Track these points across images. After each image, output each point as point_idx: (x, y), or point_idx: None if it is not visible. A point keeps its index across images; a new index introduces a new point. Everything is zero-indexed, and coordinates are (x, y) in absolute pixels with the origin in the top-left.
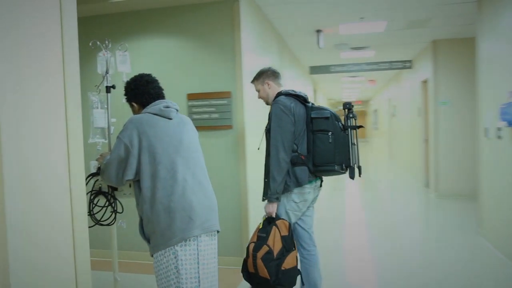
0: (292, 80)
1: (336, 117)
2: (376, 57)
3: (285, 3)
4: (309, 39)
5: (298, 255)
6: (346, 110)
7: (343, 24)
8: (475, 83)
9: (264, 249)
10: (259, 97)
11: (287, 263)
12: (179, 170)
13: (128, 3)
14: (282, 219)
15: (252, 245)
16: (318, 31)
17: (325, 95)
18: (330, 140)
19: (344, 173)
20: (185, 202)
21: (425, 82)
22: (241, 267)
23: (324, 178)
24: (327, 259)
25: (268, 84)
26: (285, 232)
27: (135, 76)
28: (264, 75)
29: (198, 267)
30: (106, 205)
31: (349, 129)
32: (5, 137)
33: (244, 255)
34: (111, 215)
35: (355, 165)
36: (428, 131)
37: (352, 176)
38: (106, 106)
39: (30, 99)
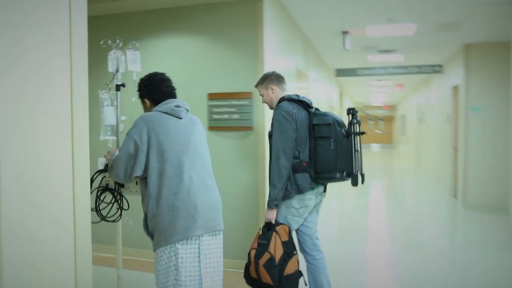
0: (317, 83)
1: (339, 123)
2: (405, 60)
3: (311, 3)
4: (335, 40)
5: (304, 259)
6: (350, 115)
7: (370, 26)
8: (509, 90)
9: (266, 256)
10: (263, 101)
11: (289, 269)
12: (185, 169)
13: (149, 1)
14: (282, 223)
15: (253, 252)
16: (345, 32)
17: (352, 98)
18: (332, 147)
19: (347, 180)
20: (190, 202)
21: (455, 87)
22: (243, 273)
23: (341, 184)
24: (345, 269)
25: (272, 89)
26: (285, 238)
27: (150, 74)
28: (268, 80)
29: (200, 266)
30: (112, 201)
31: (353, 135)
32: (3, 133)
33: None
34: (116, 211)
35: (358, 172)
36: (458, 139)
37: (354, 184)
38: (116, 104)
39: (34, 96)
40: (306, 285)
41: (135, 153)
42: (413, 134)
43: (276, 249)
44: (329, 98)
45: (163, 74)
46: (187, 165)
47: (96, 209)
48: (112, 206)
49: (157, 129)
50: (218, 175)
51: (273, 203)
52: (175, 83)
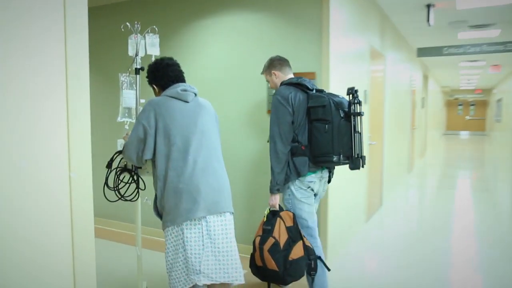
0: (396, 64)
1: (336, 104)
2: (502, 36)
3: None
4: (418, 15)
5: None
6: (351, 95)
7: None
8: None
9: (270, 241)
10: (270, 87)
11: (294, 254)
12: (190, 152)
13: None
14: (287, 210)
15: (258, 239)
16: (429, 5)
17: (438, 81)
18: (326, 130)
19: (346, 163)
20: (192, 184)
21: None
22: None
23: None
24: (423, 268)
25: (275, 74)
26: (290, 223)
27: (156, 59)
28: (271, 65)
29: (203, 246)
30: (130, 181)
31: (352, 116)
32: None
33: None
34: (134, 191)
35: (359, 155)
36: None
37: (353, 167)
38: (135, 87)
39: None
40: (328, 270)
41: (144, 137)
42: (510, 121)
43: (280, 234)
44: (410, 82)
45: (170, 59)
46: (192, 148)
47: (115, 188)
48: (129, 186)
49: (164, 113)
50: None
51: (274, 188)
52: (230, 65)
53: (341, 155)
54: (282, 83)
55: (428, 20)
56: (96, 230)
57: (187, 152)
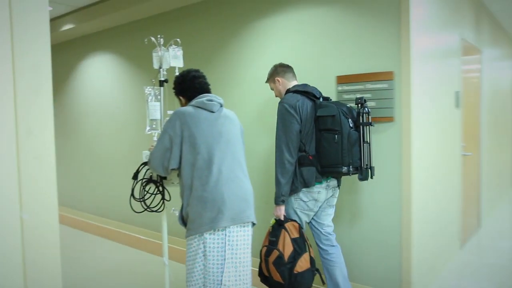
0: (494, 62)
1: (346, 114)
2: None
3: None
4: None
5: (316, 255)
6: (359, 105)
7: None
8: None
9: (275, 253)
10: (276, 95)
11: (300, 266)
12: (215, 162)
13: None
14: (292, 220)
15: (264, 249)
16: None
17: None
18: (336, 140)
19: (355, 174)
20: (217, 194)
21: None
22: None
23: None
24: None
25: (279, 81)
26: (295, 235)
27: (183, 71)
28: (274, 73)
29: (225, 256)
30: (155, 192)
31: (362, 126)
32: None
33: None
34: (159, 202)
35: (367, 166)
36: None
37: (362, 178)
38: (159, 99)
39: None
40: (323, 283)
41: (170, 147)
42: None
43: (285, 246)
44: None
45: (196, 71)
46: (217, 158)
47: (140, 199)
48: (154, 197)
49: (189, 122)
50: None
51: (279, 200)
52: (293, 65)
53: (350, 166)
54: (288, 91)
55: None
56: (123, 237)
57: (212, 161)
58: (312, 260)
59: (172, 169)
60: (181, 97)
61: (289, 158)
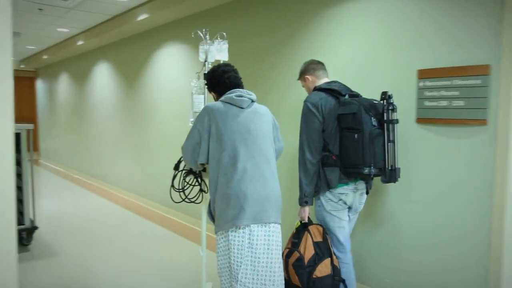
0: None
1: (368, 111)
2: None
3: None
4: None
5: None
6: (385, 101)
7: None
8: None
9: (295, 255)
10: (308, 94)
11: (319, 271)
12: (240, 159)
13: None
14: (317, 224)
15: (286, 251)
16: None
17: None
18: (356, 139)
19: (379, 176)
20: (240, 191)
21: None
22: None
23: None
24: None
25: (308, 79)
26: (318, 238)
27: (213, 66)
28: (304, 70)
29: (248, 255)
30: (194, 184)
31: (386, 124)
32: None
33: None
34: (197, 193)
35: (392, 167)
36: None
37: (386, 181)
38: (203, 92)
39: None
40: None
41: (199, 142)
42: None
43: (306, 249)
44: None
45: (226, 65)
46: (242, 155)
47: (179, 189)
48: (192, 188)
49: (217, 118)
50: (423, 191)
51: (302, 201)
52: (364, 59)
53: (372, 167)
54: (315, 88)
55: None
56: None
57: (236, 158)
58: (334, 268)
59: (202, 164)
60: (212, 92)
61: (309, 157)
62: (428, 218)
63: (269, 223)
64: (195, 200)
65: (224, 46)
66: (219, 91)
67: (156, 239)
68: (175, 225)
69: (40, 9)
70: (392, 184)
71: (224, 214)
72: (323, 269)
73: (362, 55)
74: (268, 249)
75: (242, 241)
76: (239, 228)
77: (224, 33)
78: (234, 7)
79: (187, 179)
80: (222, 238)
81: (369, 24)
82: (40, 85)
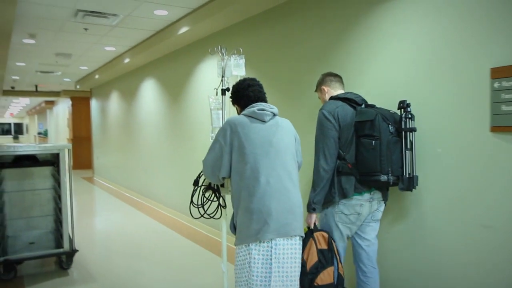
0: None
1: (386, 119)
2: None
3: None
4: None
5: (355, 273)
6: (402, 109)
7: None
8: None
9: None
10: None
11: (321, 279)
12: (263, 172)
13: None
14: (323, 231)
15: None
16: None
17: None
18: (373, 146)
19: (396, 184)
20: (264, 205)
21: None
22: None
23: None
24: None
25: (324, 90)
26: (323, 246)
27: (239, 80)
28: (321, 82)
29: (271, 269)
30: (212, 199)
31: (404, 132)
32: None
33: None
34: (216, 208)
35: (410, 175)
36: None
37: (403, 188)
38: (221, 107)
39: None
40: None
41: (220, 155)
42: None
43: (309, 255)
44: None
45: (252, 80)
46: (265, 168)
47: (198, 205)
48: (211, 203)
49: (239, 132)
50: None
51: (310, 207)
52: (425, 58)
53: (390, 174)
54: (330, 98)
55: None
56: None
57: (258, 171)
58: (339, 277)
59: (224, 177)
60: (236, 106)
61: (324, 165)
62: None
63: (295, 235)
64: (213, 216)
65: (241, 61)
66: (243, 104)
67: (204, 264)
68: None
69: (85, 29)
70: (461, 205)
71: (247, 228)
72: (325, 277)
73: (422, 53)
74: (295, 262)
75: (267, 255)
76: (263, 242)
77: (241, 49)
78: (272, 15)
79: (206, 194)
80: (242, 252)
81: (432, 17)
82: (94, 104)
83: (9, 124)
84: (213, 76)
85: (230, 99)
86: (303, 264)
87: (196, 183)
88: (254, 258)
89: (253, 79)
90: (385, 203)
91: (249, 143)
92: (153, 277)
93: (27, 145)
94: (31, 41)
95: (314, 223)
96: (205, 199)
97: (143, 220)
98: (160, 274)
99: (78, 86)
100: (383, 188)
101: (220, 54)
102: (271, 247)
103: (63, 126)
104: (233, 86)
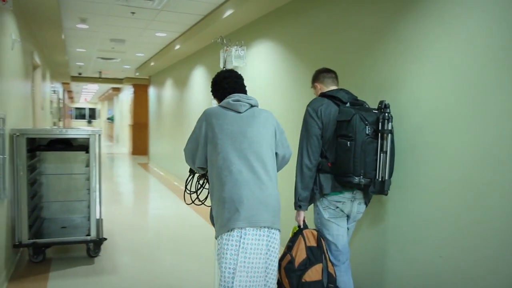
0: None
1: (364, 119)
2: None
3: None
4: None
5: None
6: (380, 110)
7: None
8: None
9: (287, 258)
10: None
11: (309, 276)
12: (235, 162)
13: None
14: (313, 229)
15: (281, 254)
16: None
17: None
18: (348, 147)
19: (369, 186)
20: (235, 194)
21: None
22: None
23: None
24: None
25: (317, 87)
26: (312, 243)
27: (217, 72)
28: (314, 78)
29: (237, 260)
30: (204, 186)
31: (380, 134)
32: None
33: None
34: (207, 195)
35: (383, 178)
36: None
37: (374, 192)
38: None
39: None
40: None
41: (196, 146)
42: None
43: (298, 252)
44: None
45: (228, 71)
46: (237, 158)
47: (190, 192)
48: (202, 190)
49: (213, 122)
50: None
51: (296, 205)
52: (465, 55)
53: (362, 177)
54: (320, 95)
55: None
56: None
57: (231, 161)
58: (329, 276)
59: (202, 167)
60: (216, 99)
61: (307, 162)
62: None
63: (264, 227)
64: (205, 202)
65: (242, 52)
66: (220, 96)
67: None
68: None
69: (132, 13)
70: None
71: (221, 218)
72: (313, 274)
73: (471, 52)
74: (260, 254)
75: (236, 245)
76: (233, 231)
77: (242, 41)
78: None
79: (201, 181)
80: (218, 243)
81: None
82: (151, 92)
83: (85, 109)
84: (263, 63)
85: (211, 93)
86: (291, 261)
87: (191, 170)
88: (224, 249)
89: (230, 71)
90: (366, 204)
91: (222, 134)
92: (178, 275)
93: (60, 128)
94: (84, 26)
95: (304, 221)
96: (199, 185)
97: (185, 211)
98: (191, 268)
99: (137, 74)
100: (365, 189)
101: (221, 44)
102: (240, 237)
103: (126, 112)
104: (212, 79)
